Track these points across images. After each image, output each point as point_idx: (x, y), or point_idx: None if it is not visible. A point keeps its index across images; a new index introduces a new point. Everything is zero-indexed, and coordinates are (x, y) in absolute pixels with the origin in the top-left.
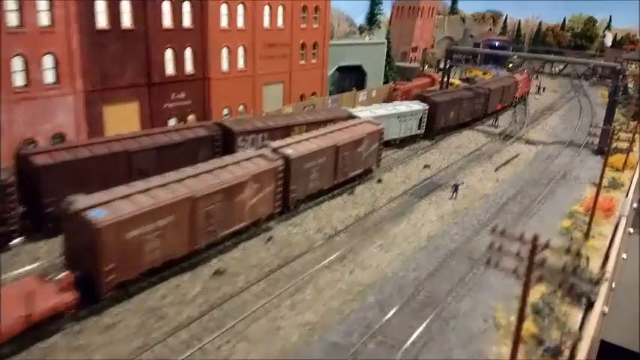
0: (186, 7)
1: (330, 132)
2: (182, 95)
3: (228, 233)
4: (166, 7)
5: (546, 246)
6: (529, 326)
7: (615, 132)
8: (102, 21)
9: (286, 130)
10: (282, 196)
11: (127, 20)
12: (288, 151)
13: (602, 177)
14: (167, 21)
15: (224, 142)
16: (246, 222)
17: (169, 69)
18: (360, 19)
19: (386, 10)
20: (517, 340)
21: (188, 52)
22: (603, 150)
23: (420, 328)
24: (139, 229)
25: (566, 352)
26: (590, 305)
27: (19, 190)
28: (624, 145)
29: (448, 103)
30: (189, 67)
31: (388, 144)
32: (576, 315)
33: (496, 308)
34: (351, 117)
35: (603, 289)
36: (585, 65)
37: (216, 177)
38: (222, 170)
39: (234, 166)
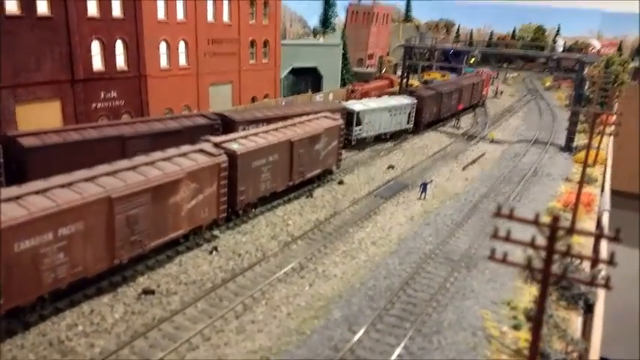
0: None
1: (283, 127)
2: (114, 94)
3: (160, 244)
4: None
5: (571, 230)
6: (526, 336)
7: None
8: (11, 5)
9: (284, 121)
10: (228, 200)
11: (43, 6)
12: (234, 146)
13: (584, 170)
14: (92, 9)
15: (224, 132)
16: (183, 230)
17: (97, 64)
18: (313, 22)
19: (341, 14)
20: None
21: (119, 46)
22: (570, 147)
23: (399, 349)
24: (33, 239)
25: None
26: (588, 309)
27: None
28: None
29: (433, 98)
30: (121, 62)
31: (379, 139)
32: (575, 321)
33: (484, 317)
34: (344, 109)
35: (602, 289)
36: (548, 58)
37: (141, 174)
38: (149, 167)
39: (164, 163)
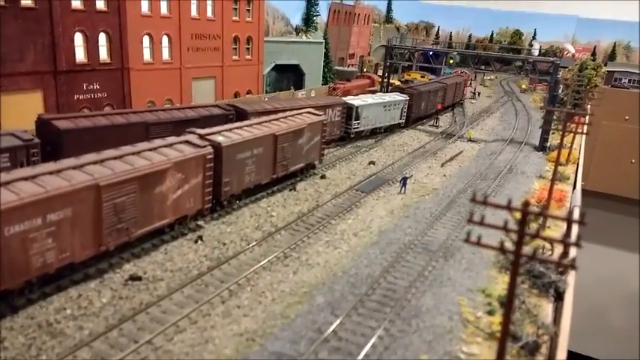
0: None
1: (267, 121)
2: (96, 86)
3: (146, 232)
4: None
5: (540, 214)
6: (499, 321)
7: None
8: None
9: (292, 112)
10: (213, 191)
11: None
12: (219, 139)
13: (556, 166)
14: (76, 0)
15: (237, 121)
16: (168, 219)
17: (80, 56)
18: (296, 20)
19: (323, 14)
20: (505, 333)
21: (102, 38)
22: (544, 146)
23: (379, 330)
24: (22, 224)
25: (544, 348)
26: (559, 296)
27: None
28: (566, 141)
29: (421, 95)
30: (103, 54)
31: (374, 132)
32: (546, 307)
33: (460, 303)
34: (345, 104)
35: (571, 278)
36: (525, 62)
37: (127, 163)
38: (136, 156)
39: (150, 153)
